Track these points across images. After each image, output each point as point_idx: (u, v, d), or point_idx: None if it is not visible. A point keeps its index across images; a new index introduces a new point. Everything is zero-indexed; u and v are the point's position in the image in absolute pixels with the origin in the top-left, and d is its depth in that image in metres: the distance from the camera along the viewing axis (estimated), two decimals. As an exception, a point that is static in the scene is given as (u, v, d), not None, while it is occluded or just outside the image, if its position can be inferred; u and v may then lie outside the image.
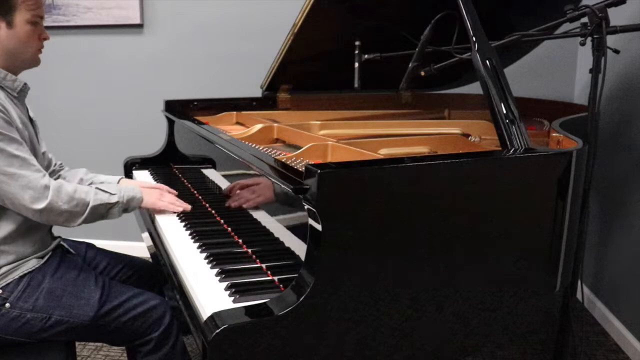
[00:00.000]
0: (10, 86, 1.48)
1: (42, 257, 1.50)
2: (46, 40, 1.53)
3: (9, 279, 1.43)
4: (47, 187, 1.40)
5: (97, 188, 1.52)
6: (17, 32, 1.45)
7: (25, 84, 1.53)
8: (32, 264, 1.47)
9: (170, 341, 1.49)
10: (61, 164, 1.82)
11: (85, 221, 1.48)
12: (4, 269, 1.43)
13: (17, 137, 1.40)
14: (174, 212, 1.68)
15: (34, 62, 1.53)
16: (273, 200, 1.39)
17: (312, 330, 1.06)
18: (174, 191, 1.75)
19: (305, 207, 1.09)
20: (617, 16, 1.59)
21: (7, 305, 1.41)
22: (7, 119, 1.39)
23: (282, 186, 1.19)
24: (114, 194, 1.53)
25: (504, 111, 1.38)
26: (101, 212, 1.51)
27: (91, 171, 1.81)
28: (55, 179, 1.52)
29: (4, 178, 1.36)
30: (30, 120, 1.59)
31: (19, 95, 1.52)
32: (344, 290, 1.08)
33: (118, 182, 1.77)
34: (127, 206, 1.56)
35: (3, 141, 1.36)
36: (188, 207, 1.68)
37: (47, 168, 1.69)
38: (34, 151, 1.50)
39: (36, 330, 1.42)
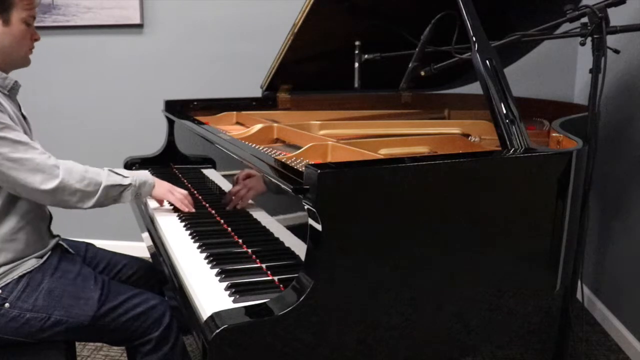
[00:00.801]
0: (0, 84, 1.48)
1: (41, 257, 1.50)
2: (37, 41, 1.53)
3: (8, 278, 1.43)
4: (56, 166, 1.41)
5: (109, 170, 1.53)
6: (13, 30, 1.45)
7: (15, 81, 1.52)
8: (31, 263, 1.47)
9: (170, 341, 1.49)
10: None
11: (98, 202, 1.48)
12: (3, 269, 1.43)
13: (15, 126, 1.41)
14: (176, 212, 1.68)
15: (25, 61, 1.53)
16: (265, 191, 1.38)
17: (312, 330, 1.06)
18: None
19: (305, 207, 1.08)
20: (617, 16, 1.59)
21: (7, 305, 1.41)
22: (2, 109, 1.39)
23: (283, 186, 1.19)
24: (127, 177, 1.53)
25: (504, 111, 1.38)
26: (114, 195, 1.51)
27: None
28: None
29: (11, 164, 1.37)
30: (24, 117, 1.59)
31: (10, 93, 1.52)
32: (343, 290, 1.08)
33: None
34: (140, 190, 1.57)
35: (3, 130, 1.37)
36: (192, 209, 1.68)
37: None
38: None
39: (36, 330, 1.42)
